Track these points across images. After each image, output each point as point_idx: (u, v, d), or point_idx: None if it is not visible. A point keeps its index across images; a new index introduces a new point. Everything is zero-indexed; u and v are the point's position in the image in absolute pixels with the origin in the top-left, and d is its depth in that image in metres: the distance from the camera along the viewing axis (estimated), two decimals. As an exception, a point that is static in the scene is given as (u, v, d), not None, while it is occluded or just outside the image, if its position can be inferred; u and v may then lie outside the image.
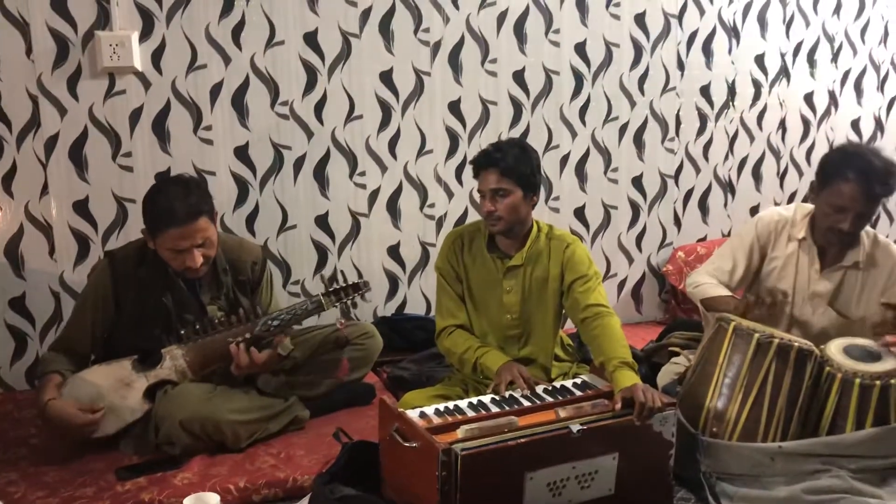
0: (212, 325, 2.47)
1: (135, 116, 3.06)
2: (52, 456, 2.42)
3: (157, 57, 3.04)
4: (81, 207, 3.06)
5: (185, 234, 2.36)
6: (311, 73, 3.23)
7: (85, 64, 2.97)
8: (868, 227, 2.56)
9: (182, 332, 2.46)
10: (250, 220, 3.26)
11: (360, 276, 3.41)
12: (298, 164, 3.28)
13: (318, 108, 3.26)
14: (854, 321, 2.56)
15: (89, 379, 2.44)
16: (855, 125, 4.06)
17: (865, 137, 4.08)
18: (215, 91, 3.13)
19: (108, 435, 2.40)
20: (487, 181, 2.42)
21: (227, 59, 3.12)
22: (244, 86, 3.16)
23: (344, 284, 2.57)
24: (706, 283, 2.59)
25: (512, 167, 2.39)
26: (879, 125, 4.10)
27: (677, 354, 2.81)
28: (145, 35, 3.01)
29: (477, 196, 3.46)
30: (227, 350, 2.45)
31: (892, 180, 2.39)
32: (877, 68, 4.04)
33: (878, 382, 2.21)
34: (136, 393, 2.43)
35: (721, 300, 2.53)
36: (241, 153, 3.21)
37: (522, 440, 1.90)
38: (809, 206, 2.59)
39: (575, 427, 1.93)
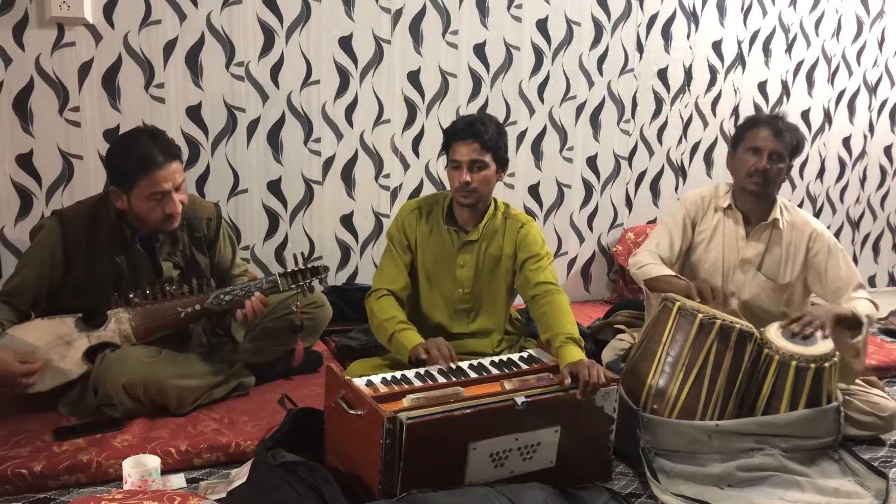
0: (163, 293, 2.42)
1: (84, 70, 2.97)
2: (-14, 414, 2.35)
3: (108, 9, 2.95)
4: (25, 161, 2.97)
5: (166, 177, 2.31)
6: (269, 34, 3.17)
7: (32, 12, 2.86)
8: (785, 200, 2.72)
9: (132, 295, 2.41)
10: (200, 182, 3.20)
11: (311, 244, 3.39)
12: (252, 127, 3.23)
13: (275, 71, 3.21)
14: (782, 286, 2.66)
15: (28, 334, 2.36)
16: (805, 116, 4.15)
17: (814, 129, 4.17)
18: (169, 48, 3.06)
19: (42, 392, 2.33)
20: (466, 152, 2.39)
21: (182, 16, 3.04)
22: (199, 44, 3.09)
23: (303, 267, 2.51)
24: (650, 263, 2.65)
25: (491, 141, 2.40)
26: (828, 117, 4.19)
27: (622, 332, 2.86)
28: (97, -14, 2.92)
29: (437, 168, 3.48)
30: (174, 319, 2.41)
31: (797, 132, 2.62)
32: (828, 61, 4.13)
33: (812, 365, 2.28)
34: (75, 352, 2.37)
35: (665, 280, 2.58)
36: (194, 113, 3.14)
37: (468, 410, 1.91)
38: (729, 182, 2.73)
39: (519, 399, 1.96)
